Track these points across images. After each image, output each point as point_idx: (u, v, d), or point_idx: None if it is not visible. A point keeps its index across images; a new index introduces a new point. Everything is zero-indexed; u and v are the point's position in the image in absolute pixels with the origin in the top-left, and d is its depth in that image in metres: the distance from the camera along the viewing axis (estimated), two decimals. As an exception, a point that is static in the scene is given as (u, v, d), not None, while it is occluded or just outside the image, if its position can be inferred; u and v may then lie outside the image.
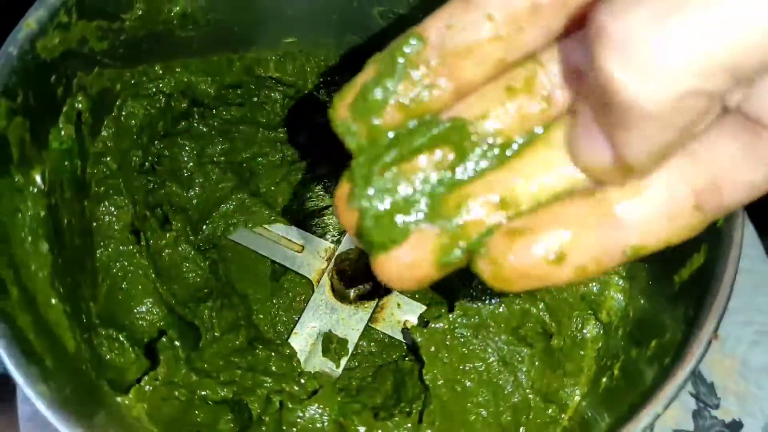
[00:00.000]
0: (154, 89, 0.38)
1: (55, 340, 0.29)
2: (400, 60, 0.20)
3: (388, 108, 0.20)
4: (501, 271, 0.20)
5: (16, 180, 0.29)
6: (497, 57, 0.20)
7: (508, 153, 0.20)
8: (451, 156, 0.20)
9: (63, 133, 0.32)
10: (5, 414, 0.48)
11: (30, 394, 0.23)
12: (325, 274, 0.42)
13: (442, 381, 0.35)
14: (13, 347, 0.23)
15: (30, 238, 0.29)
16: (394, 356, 0.41)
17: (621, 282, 0.35)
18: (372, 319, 0.41)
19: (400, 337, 0.41)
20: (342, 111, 0.20)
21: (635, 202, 0.20)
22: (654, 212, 0.20)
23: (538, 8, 0.19)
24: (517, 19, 0.19)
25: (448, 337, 0.36)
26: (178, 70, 0.38)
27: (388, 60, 0.20)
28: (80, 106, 0.33)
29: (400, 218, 0.20)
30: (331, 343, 0.40)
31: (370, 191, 0.19)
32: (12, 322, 0.25)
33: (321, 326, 0.40)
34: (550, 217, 0.20)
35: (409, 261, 0.20)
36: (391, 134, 0.20)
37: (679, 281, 0.29)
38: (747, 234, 0.43)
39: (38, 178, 0.30)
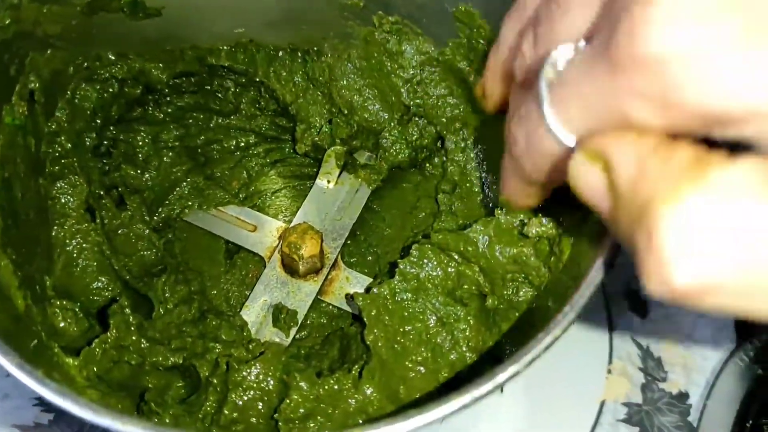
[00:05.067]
0: (107, 74, 0.39)
1: (3, 298, 0.30)
2: None
3: None
4: None
5: (-32, 147, 0.31)
6: None
7: None
8: None
9: (16, 109, 0.34)
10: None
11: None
12: (276, 251, 0.43)
13: (382, 342, 0.36)
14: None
15: (-18, 201, 0.31)
16: (342, 326, 0.42)
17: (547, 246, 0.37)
18: (321, 292, 0.42)
19: (348, 308, 0.42)
20: None
21: None
22: None
23: None
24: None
25: (389, 301, 0.37)
26: (131, 57, 0.40)
27: None
28: (33, 85, 0.35)
29: None
30: (281, 314, 0.41)
31: None
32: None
33: (272, 299, 0.42)
34: None
35: None
36: None
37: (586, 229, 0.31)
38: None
39: (-9, 150, 0.32)
